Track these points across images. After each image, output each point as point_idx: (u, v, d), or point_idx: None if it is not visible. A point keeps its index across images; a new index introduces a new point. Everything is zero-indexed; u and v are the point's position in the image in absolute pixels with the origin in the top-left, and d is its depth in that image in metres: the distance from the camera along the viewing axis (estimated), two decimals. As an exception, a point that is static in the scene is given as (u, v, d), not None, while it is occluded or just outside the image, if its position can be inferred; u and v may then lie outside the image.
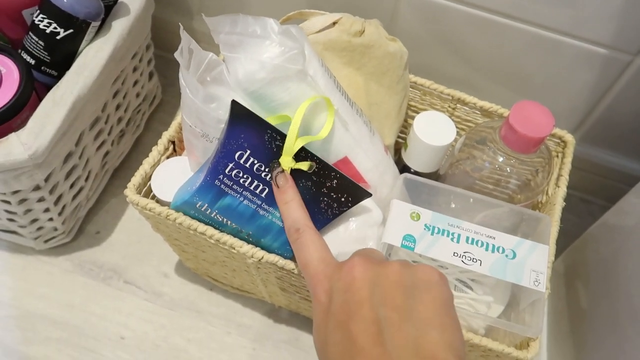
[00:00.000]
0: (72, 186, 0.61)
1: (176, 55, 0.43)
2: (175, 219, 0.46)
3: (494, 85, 0.66)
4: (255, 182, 0.41)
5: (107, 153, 0.67)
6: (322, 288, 0.33)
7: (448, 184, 0.58)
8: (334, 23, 0.53)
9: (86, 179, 0.63)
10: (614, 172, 0.70)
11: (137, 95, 0.70)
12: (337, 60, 0.52)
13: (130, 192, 0.48)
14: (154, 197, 0.51)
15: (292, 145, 0.40)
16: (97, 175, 0.66)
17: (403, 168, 0.58)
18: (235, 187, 0.42)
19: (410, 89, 0.60)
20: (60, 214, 0.61)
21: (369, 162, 0.49)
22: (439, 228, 0.45)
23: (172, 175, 0.50)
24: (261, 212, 0.43)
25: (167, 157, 0.53)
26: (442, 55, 0.65)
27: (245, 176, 0.41)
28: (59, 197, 0.59)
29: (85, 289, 0.63)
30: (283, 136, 0.40)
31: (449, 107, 0.60)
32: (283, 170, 0.41)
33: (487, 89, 0.67)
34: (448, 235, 0.44)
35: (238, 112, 0.39)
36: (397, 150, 0.61)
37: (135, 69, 0.67)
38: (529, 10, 0.56)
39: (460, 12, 0.59)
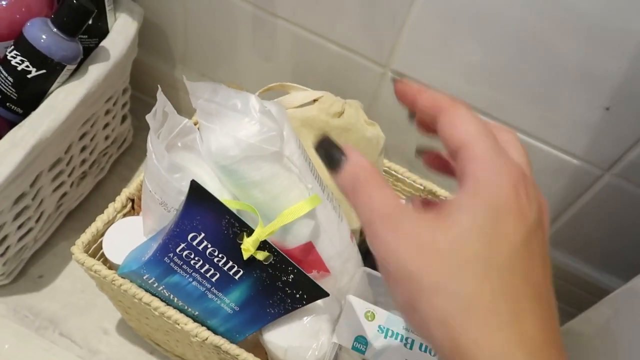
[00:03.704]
0: (20, 227, 0.58)
1: (148, 117, 0.42)
2: (121, 285, 0.43)
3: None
4: (207, 266, 0.39)
5: (64, 194, 0.64)
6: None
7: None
8: (315, 100, 0.52)
9: (37, 220, 0.60)
10: (575, 277, 0.70)
11: (106, 137, 0.68)
12: (313, 139, 0.51)
13: (77, 250, 0.46)
14: (103, 255, 0.48)
15: (261, 236, 0.39)
16: (50, 216, 0.63)
17: (367, 251, 0.57)
18: (185, 267, 0.40)
19: (384, 174, 0.59)
20: (2, 255, 0.57)
21: (333, 249, 0.47)
22: (392, 331, 0.43)
23: (127, 236, 0.48)
24: (210, 295, 0.41)
25: (124, 216, 0.50)
26: (417, 139, 0.65)
27: (196, 258, 0.39)
28: (4, 238, 0.56)
29: (16, 337, 0.59)
30: (242, 224, 0.38)
31: (420, 196, 0.59)
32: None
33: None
34: (402, 341, 0.43)
35: (197, 193, 0.37)
36: (363, 232, 0.60)
37: (107, 112, 0.65)
38: (507, 110, 0.57)
39: (441, 103, 0.59)
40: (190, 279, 0.40)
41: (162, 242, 0.39)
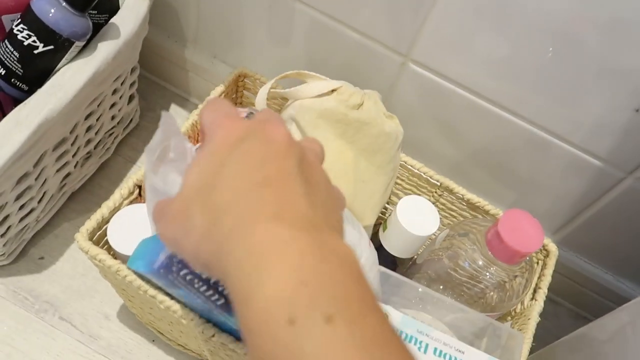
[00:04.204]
0: (22, 207, 0.56)
1: (148, 149, 0.35)
2: (125, 276, 0.42)
3: (481, 173, 0.64)
4: (211, 292, 0.37)
5: (68, 175, 0.62)
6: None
7: (423, 268, 0.56)
8: (333, 90, 0.50)
9: (39, 201, 0.58)
10: (586, 279, 0.69)
11: (113, 117, 0.66)
12: (330, 131, 0.49)
13: (81, 237, 0.44)
14: (107, 242, 0.47)
15: None
16: (52, 197, 0.61)
17: (379, 248, 0.55)
18: (189, 287, 0.37)
19: (400, 168, 0.57)
20: (3, 235, 0.55)
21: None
22: (406, 334, 0.41)
23: (133, 224, 0.46)
24: (216, 311, 0.39)
25: (131, 203, 0.48)
26: (434, 133, 0.63)
27: (200, 283, 0.36)
28: (5, 218, 0.54)
29: (15, 320, 0.58)
30: None
31: (436, 192, 0.57)
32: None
33: (474, 175, 0.65)
34: (415, 343, 0.41)
35: None
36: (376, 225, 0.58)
37: (115, 91, 0.63)
38: (530, 107, 0.55)
39: (460, 97, 0.57)
40: (196, 297, 0.38)
41: (166, 260, 0.36)
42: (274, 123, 0.28)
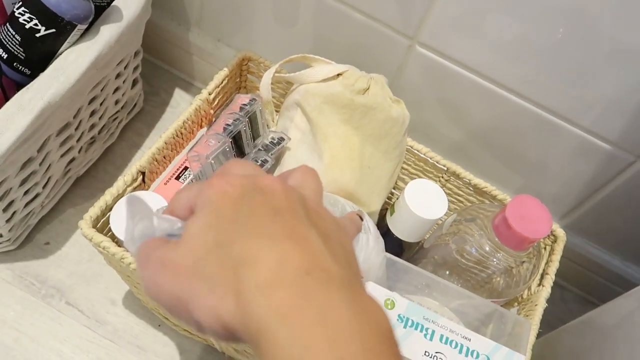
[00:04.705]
0: (26, 192, 0.56)
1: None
2: (130, 264, 0.41)
3: (488, 156, 0.63)
4: None
5: (72, 160, 0.61)
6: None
7: (429, 253, 0.55)
8: (338, 75, 0.49)
9: (44, 186, 0.58)
10: (594, 264, 0.68)
11: (116, 102, 0.65)
12: (336, 117, 0.49)
13: (85, 224, 0.43)
14: (111, 230, 0.46)
15: None
16: (57, 182, 0.61)
17: (385, 232, 0.55)
18: None
19: (407, 153, 0.57)
20: (8, 220, 0.55)
21: (367, 265, 0.45)
22: (413, 321, 0.41)
23: None
24: None
25: (134, 189, 0.48)
26: (441, 117, 0.62)
27: None
28: (10, 204, 0.54)
29: (22, 305, 0.58)
30: None
31: (442, 177, 0.57)
32: None
33: (481, 158, 0.64)
34: (421, 331, 0.41)
35: None
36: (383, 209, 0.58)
37: (118, 75, 0.62)
38: (539, 89, 0.54)
39: (468, 80, 0.57)
40: None
41: None
42: (260, 174, 0.27)
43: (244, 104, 0.53)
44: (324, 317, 0.21)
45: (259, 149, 0.54)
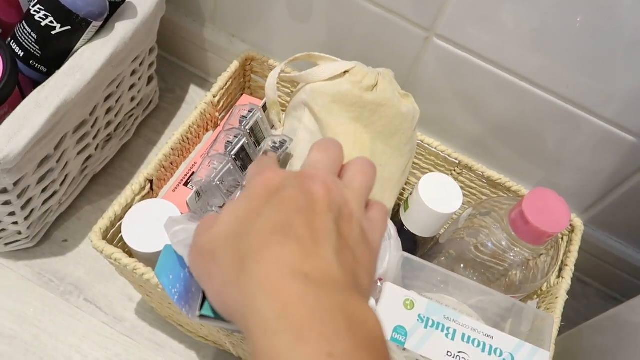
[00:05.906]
0: (44, 190, 0.56)
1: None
2: (143, 274, 0.41)
3: (505, 149, 0.62)
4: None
5: (89, 157, 0.62)
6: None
7: (445, 247, 0.54)
8: (345, 72, 0.48)
9: (61, 184, 0.58)
10: (617, 259, 0.67)
11: (132, 99, 0.65)
12: (345, 115, 0.48)
13: (95, 237, 0.43)
14: (122, 239, 0.46)
15: None
16: (74, 179, 0.61)
17: (399, 229, 0.54)
18: None
19: (417, 147, 0.56)
20: (26, 218, 0.56)
21: (382, 269, 0.44)
22: (433, 321, 0.40)
23: (147, 220, 0.45)
24: None
25: (143, 198, 0.48)
26: (458, 109, 0.61)
27: None
28: (28, 201, 0.54)
29: (41, 301, 0.58)
30: None
31: (455, 170, 0.56)
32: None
33: (498, 151, 0.63)
34: (442, 330, 0.40)
35: None
36: (396, 205, 0.57)
37: (134, 72, 0.62)
38: (559, 80, 0.53)
39: (486, 71, 0.56)
40: None
41: (185, 297, 0.34)
42: (315, 178, 0.27)
43: (243, 116, 0.53)
44: (317, 315, 0.22)
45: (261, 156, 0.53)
